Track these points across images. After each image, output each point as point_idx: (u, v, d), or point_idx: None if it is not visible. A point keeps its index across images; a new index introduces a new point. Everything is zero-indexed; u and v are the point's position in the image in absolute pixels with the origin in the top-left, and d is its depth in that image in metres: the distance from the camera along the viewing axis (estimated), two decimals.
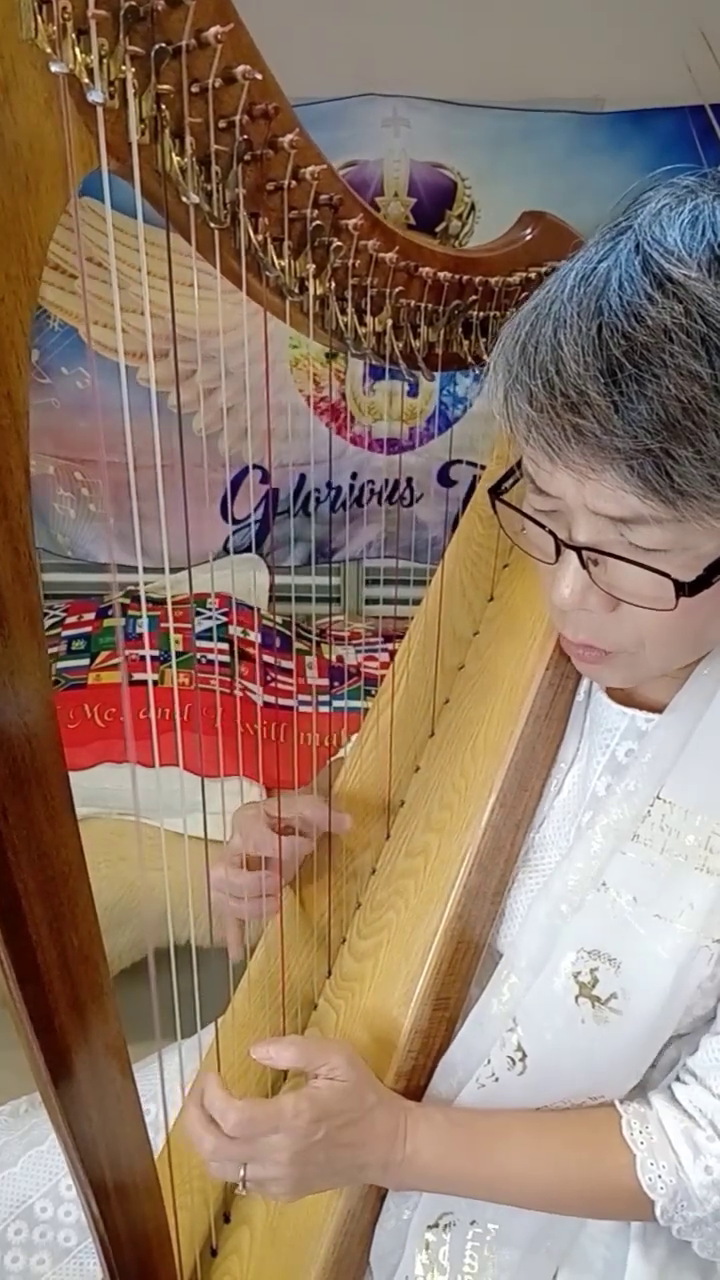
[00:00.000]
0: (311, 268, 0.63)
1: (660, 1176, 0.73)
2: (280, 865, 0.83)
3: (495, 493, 0.72)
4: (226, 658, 1.94)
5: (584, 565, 0.66)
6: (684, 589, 0.63)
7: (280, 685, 1.95)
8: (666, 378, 0.57)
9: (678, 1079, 0.78)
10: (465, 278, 0.74)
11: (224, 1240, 0.85)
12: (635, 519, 0.61)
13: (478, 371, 0.79)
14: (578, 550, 0.65)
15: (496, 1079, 0.77)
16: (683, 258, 0.58)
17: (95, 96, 0.47)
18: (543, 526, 0.67)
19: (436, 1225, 0.82)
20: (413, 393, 2.11)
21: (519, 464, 0.69)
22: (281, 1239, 0.83)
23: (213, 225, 0.56)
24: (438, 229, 1.97)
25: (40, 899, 0.54)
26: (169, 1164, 0.76)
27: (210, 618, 2.00)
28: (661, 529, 0.61)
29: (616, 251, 0.60)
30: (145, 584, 1.97)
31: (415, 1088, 0.81)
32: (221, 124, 0.53)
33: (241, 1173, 0.72)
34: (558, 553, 0.67)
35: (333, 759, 1.04)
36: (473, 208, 1.96)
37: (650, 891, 0.74)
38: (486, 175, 1.92)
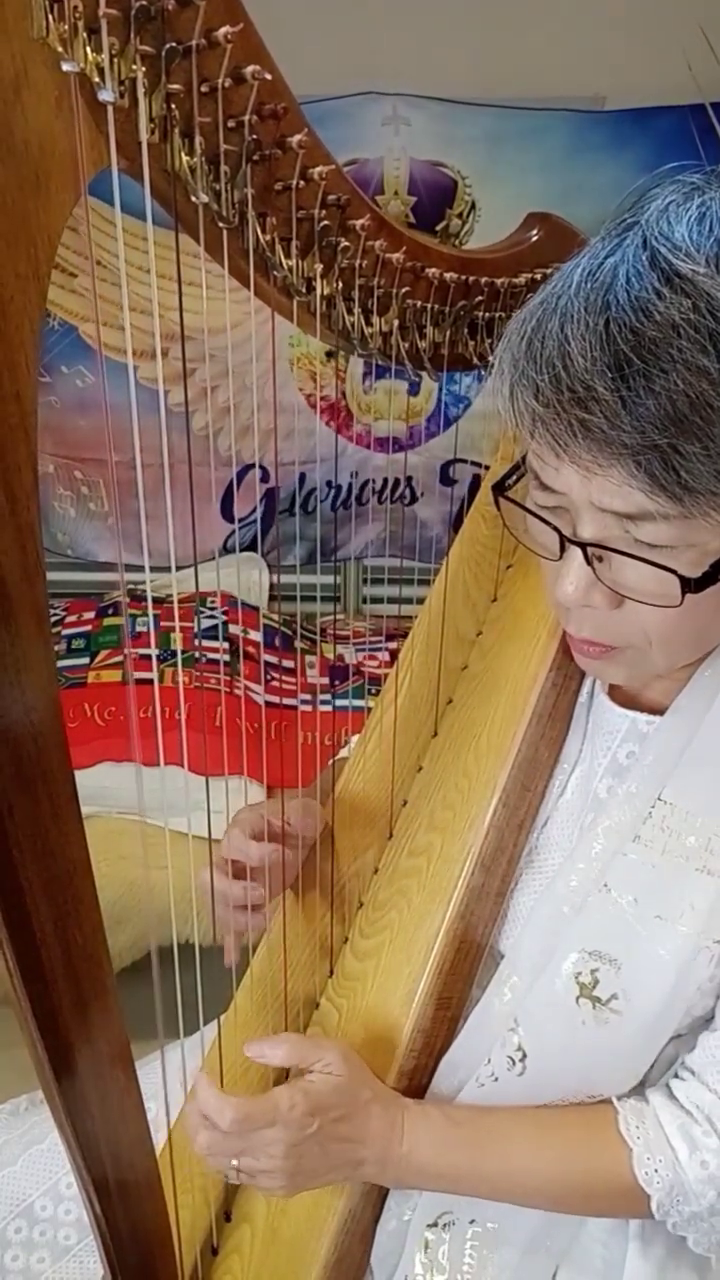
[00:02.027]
0: (319, 267, 0.63)
1: (656, 1171, 0.73)
2: (266, 874, 0.82)
3: (499, 489, 0.72)
4: (227, 657, 1.94)
5: (588, 561, 0.66)
6: (690, 585, 0.63)
7: (281, 684, 1.95)
8: (674, 373, 0.57)
9: (675, 1076, 0.78)
10: (471, 279, 0.74)
11: (225, 1238, 0.85)
12: (641, 515, 0.61)
13: (481, 371, 0.79)
14: (582, 546, 0.65)
15: (496, 1079, 0.78)
16: (690, 253, 0.58)
17: (105, 95, 0.47)
18: (547, 523, 0.67)
19: (436, 1224, 0.82)
20: (413, 391, 2.11)
21: (523, 460, 0.69)
22: (282, 1238, 0.82)
23: (221, 225, 0.56)
24: (438, 228, 1.97)
25: (45, 896, 0.54)
26: (170, 1162, 0.76)
27: (211, 617, 2.00)
28: (668, 525, 0.61)
29: (624, 247, 0.60)
30: (146, 583, 1.97)
31: (417, 1087, 0.81)
32: (231, 124, 0.53)
33: (234, 1162, 0.72)
34: (562, 549, 0.67)
35: (335, 759, 1.04)
36: (473, 206, 1.95)
37: (651, 893, 0.74)
38: (487, 174, 1.92)
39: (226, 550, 2.17)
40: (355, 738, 0.99)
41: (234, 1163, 0.73)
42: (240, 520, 2.15)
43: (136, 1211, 0.69)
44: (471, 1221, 0.81)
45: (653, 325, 0.58)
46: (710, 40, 1.73)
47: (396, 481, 2.18)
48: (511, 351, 0.64)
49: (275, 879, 0.84)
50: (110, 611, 2.05)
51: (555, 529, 0.67)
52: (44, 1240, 0.91)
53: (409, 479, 2.17)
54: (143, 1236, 0.71)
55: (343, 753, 1.03)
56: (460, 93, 1.84)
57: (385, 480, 2.17)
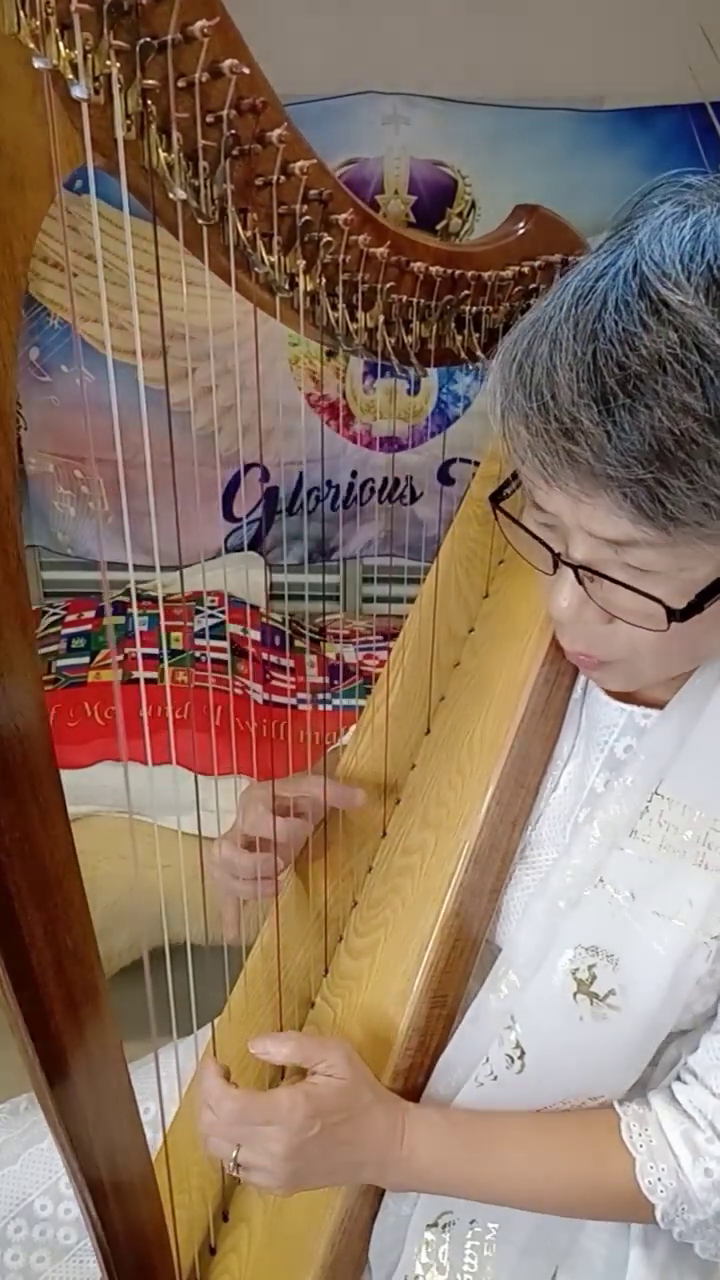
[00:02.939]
0: (301, 263, 0.63)
1: (660, 1180, 0.73)
2: (276, 848, 0.83)
3: (496, 499, 0.72)
4: (226, 656, 1.94)
5: (580, 581, 0.66)
6: (675, 615, 0.64)
7: (279, 684, 1.95)
8: (659, 409, 0.57)
9: (678, 1078, 0.78)
10: (457, 272, 0.73)
11: (222, 1238, 0.85)
12: (629, 542, 0.62)
13: (477, 369, 0.78)
14: (574, 568, 0.65)
15: (495, 1078, 0.77)
16: (679, 282, 0.58)
17: (79, 92, 0.46)
18: (541, 541, 0.68)
19: (436, 1224, 0.82)
20: (413, 391, 2.11)
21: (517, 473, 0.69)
22: (280, 1237, 0.82)
23: (201, 221, 0.56)
24: (438, 227, 1.97)
25: (33, 901, 0.54)
26: (167, 1163, 0.76)
27: (210, 616, 2.00)
28: (655, 552, 0.61)
29: (615, 268, 0.60)
30: (145, 582, 1.97)
31: (413, 1086, 0.81)
32: (209, 119, 0.53)
33: (234, 1154, 0.72)
34: (555, 566, 0.67)
35: (331, 748, 1.04)
36: (473, 205, 1.95)
37: (648, 888, 0.74)
38: (487, 173, 1.92)
39: (226, 550, 2.16)
40: (351, 728, 0.99)
41: (234, 1154, 0.72)
42: (240, 520, 2.15)
43: (132, 1214, 0.69)
44: (471, 1222, 0.81)
45: (638, 359, 0.57)
46: (710, 40, 1.73)
47: (396, 481, 2.18)
48: (502, 373, 0.64)
49: (285, 851, 0.85)
50: (110, 610, 2.06)
51: (548, 547, 0.67)
52: (44, 1239, 0.91)
53: (408, 478, 2.17)
54: (139, 1238, 0.71)
55: (341, 740, 1.03)
56: (460, 92, 1.84)
57: (384, 480, 2.17)
